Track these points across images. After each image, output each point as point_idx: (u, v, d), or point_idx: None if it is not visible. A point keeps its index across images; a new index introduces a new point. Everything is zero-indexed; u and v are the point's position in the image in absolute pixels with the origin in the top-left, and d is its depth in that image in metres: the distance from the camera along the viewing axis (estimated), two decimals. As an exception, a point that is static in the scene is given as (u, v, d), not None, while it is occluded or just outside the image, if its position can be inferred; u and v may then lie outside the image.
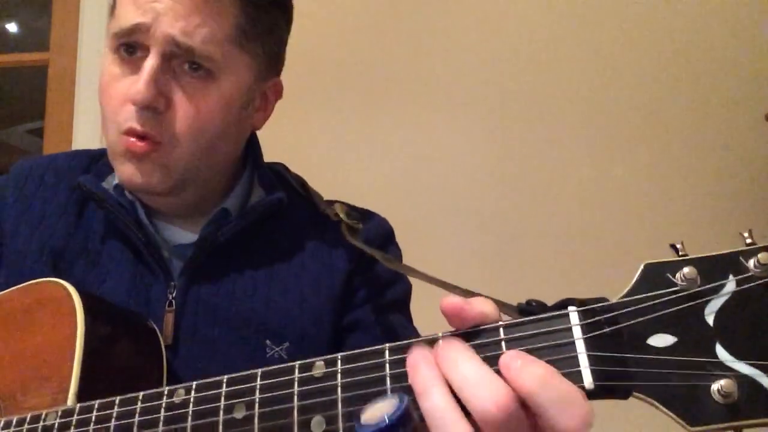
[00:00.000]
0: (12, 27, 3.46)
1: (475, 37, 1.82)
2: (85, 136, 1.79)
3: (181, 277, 0.75)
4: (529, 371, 0.39)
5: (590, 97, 1.75)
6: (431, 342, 0.45)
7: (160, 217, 0.80)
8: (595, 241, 1.67)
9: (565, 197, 1.72)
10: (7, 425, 0.62)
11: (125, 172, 0.71)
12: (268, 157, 0.88)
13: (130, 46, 0.70)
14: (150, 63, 0.68)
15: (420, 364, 0.42)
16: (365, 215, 0.86)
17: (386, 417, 0.39)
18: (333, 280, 0.79)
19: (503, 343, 0.43)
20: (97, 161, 0.83)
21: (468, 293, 0.58)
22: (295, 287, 0.78)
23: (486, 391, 0.39)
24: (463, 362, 0.40)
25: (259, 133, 0.86)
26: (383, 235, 0.86)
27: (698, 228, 1.66)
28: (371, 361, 0.47)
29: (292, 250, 0.80)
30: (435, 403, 0.40)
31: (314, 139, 1.80)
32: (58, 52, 1.90)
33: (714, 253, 0.42)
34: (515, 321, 0.44)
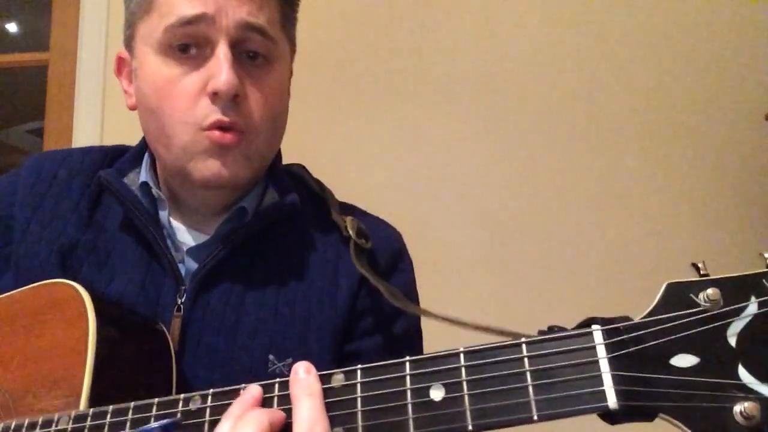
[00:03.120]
0: (12, 27, 3.45)
1: (478, 37, 1.82)
2: (85, 136, 1.78)
3: (192, 282, 0.74)
4: None
5: (590, 97, 1.75)
6: (451, 356, 0.46)
7: (179, 219, 0.79)
8: (594, 241, 1.68)
9: (568, 197, 1.72)
10: (18, 428, 0.62)
11: (211, 168, 0.70)
12: None
13: (184, 44, 0.69)
14: (224, 51, 0.68)
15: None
16: (377, 227, 0.83)
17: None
18: (336, 299, 0.76)
19: (526, 360, 0.44)
20: (114, 157, 0.82)
21: (479, 328, 0.57)
22: (303, 302, 0.76)
23: None
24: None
25: None
26: (393, 253, 0.82)
27: (698, 228, 1.67)
28: (392, 375, 0.47)
29: (302, 261, 0.78)
30: None
31: (317, 139, 1.79)
32: (58, 52, 1.89)
33: (737, 274, 0.43)
34: (538, 338, 0.44)
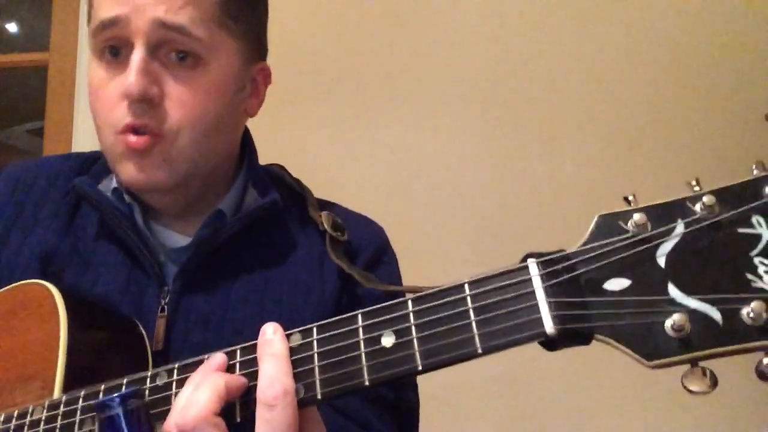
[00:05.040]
0: (12, 27, 3.46)
1: (472, 37, 1.83)
2: (85, 136, 1.79)
3: (175, 283, 0.74)
4: None
5: (589, 97, 1.76)
6: (400, 304, 0.47)
7: (156, 220, 0.79)
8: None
9: (564, 196, 1.72)
10: (-5, 423, 0.63)
11: (127, 172, 0.70)
12: (263, 158, 0.87)
13: (113, 47, 0.70)
14: (137, 53, 0.67)
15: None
16: (359, 223, 0.84)
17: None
18: (322, 294, 0.77)
19: (468, 299, 0.45)
20: (90, 164, 0.83)
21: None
22: (288, 297, 0.76)
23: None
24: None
25: (253, 133, 0.86)
26: (377, 248, 0.83)
27: None
28: (345, 329, 0.49)
29: (285, 258, 0.79)
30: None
31: (309, 139, 1.80)
32: (58, 52, 1.90)
33: (662, 201, 0.44)
34: (480, 277, 0.46)
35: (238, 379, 0.51)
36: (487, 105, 1.80)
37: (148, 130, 0.68)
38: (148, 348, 0.72)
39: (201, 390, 0.49)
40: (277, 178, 0.86)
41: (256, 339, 0.52)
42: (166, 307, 0.73)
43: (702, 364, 0.41)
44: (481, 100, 1.81)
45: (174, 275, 0.75)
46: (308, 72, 1.80)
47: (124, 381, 0.57)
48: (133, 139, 0.68)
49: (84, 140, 1.79)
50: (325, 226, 0.77)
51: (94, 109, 0.72)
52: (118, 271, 0.75)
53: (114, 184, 0.78)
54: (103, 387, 0.58)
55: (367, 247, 0.82)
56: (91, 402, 0.57)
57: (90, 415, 0.57)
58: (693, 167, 1.69)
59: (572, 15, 1.80)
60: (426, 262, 1.69)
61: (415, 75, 1.84)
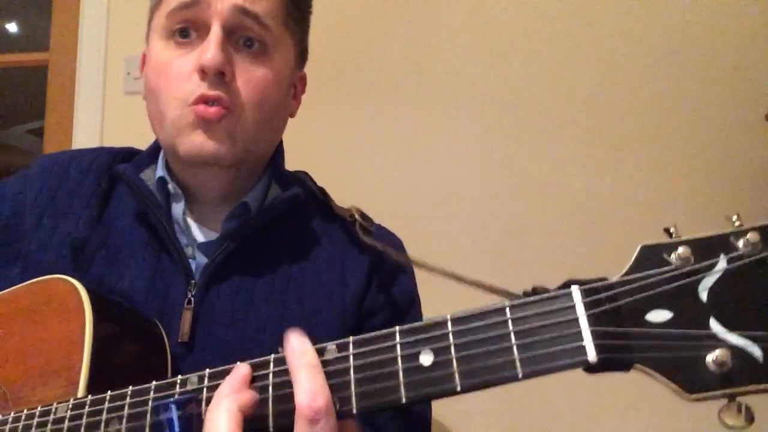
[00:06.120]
0: (12, 27, 3.46)
1: (474, 36, 1.84)
2: (85, 136, 1.78)
3: (201, 276, 0.76)
4: None
5: (589, 97, 1.77)
6: (439, 323, 0.48)
7: (189, 214, 0.82)
8: (595, 241, 1.69)
9: (566, 197, 1.73)
10: (17, 419, 0.63)
11: (195, 141, 0.73)
12: None
13: (183, 30, 0.74)
14: (215, 31, 0.72)
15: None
16: (379, 232, 0.87)
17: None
18: (345, 297, 0.79)
19: (509, 322, 0.46)
20: (121, 158, 0.85)
21: (480, 285, 0.60)
22: (311, 297, 0.78)
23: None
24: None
25: None
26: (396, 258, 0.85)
27: (698, 228, 1.68)
28: (382, 345, 0.49)
29: (308, 258, 0.81)
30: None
31: (315, 140, 1.80)
32: (58, 52, 1.89)
33: (707, 234, 0.45)
34: (521, 301, 0.46)
35: (247, 396, 0.50)
36: (497, 107, 1.81)
37: (221, 102, 0.72)
38: (168, 349, 0.73)
39: (216, 420, 0.48)
40: (300, 182, 0.88)
41: (277, 338, 0.53)
42: (192, 299, 0.75)
43: (739, 399, 0.42)
44: (489, 101, 1.81)
45: (201, 269, 0.77)
46: (311, 72, 1.80)
47: (152, 385, 0.57)
48: (205, 108, 0.71)
49: (84, 140, 1.79)
50: (356, 216, 0.81)
51: (157, 86, 0.75)
52: (146, 262, 0.77)
53: (159, 173, 0.81)
54: (130, 390, 0.58)
55: (388, 258, 0.82)
56: (120, 403, 0.57)
57: (117, 414, 0.57)
58: (693, 167, 1.70)
59: (571, 15, 1.81)
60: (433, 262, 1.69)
61: (422, 74, 1.85)
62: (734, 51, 1.73)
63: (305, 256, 0.81)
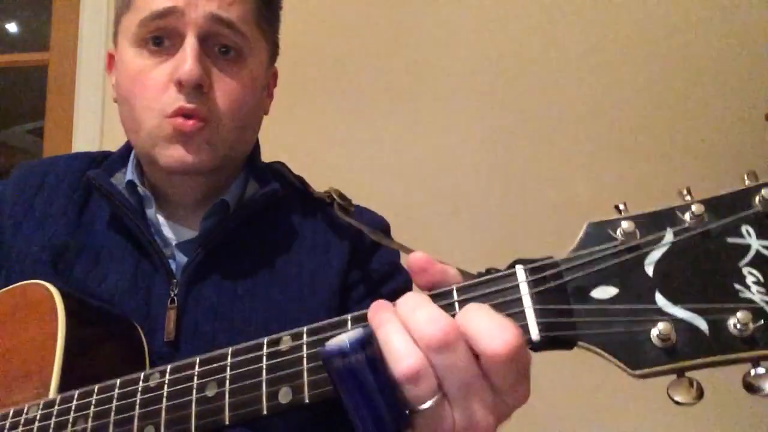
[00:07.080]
0: (12, 27, 3.51)
1: (472, 36, 1.84)
2: (85, 136, 1.80)
3: (183, 275, 0.77)
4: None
5: (589, 97, 1.76)
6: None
7: (165, 214, 0.82)
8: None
9: (566, 197, 1.72)
10: (-8, 421, 0.63)
11: (174, 154, 0.73)
12: (265, 157, 0.90)
13: (157, 38, 0.74)
14: (191, 42, 0.72)
15: (379, 309, 0.46)
16: (363, 212, 0.87)
17: (347, 340, 0.42)
18: (329, 278, 0.80)
19: (456, 304, 0.45)
20: (99, 162, 0.86)
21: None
22: (295, 286, 0.79)
23: (433, 325, 0.42)
24: (417, 307, 0.43)
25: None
26: (378, 230, 0.85)
27: None
28: (335, 332, 0.49)
29: (289, 248, 0.81)
30: (388, 332, 0.43)
31: (310, 138, 1.81)
32: (58, 52, 1.91)
33: (651, 210, 0.44)
34: (468, 282, 0.46)
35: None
36: (494, 107, 1.81)
37: (199, 114, 0.72)
38: (146, 349, 0.73)
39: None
40: (277, 173, 0.89)
41: (266, 329, 0.53)
42: (176, 298, 0.75)
43: (688, 374, 0.41)
44: (488, 101, 1.81)
45: (182, 267, 0.77)
46: (309, 72, 1.82)
47: (117, 382, 0.57)
48: (183, 121, 0.72)
49: (84, 140, 1.80)
50: (334, 197, 0.81)
51: (132, 94, 0.74)
52: (127, 265, 0.78)
53: (128, 176, 0.82)
54: (96, 387, 0.58)
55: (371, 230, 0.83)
56: (87, 400, 0.57)
57: (83, 413, 0.57)
58: (693, 167, 1.69)
59: (570, 15, 1.80)
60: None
61: (419, 73, 1.85)
62: (734, 51, 1.72)
63: (287, 246, 0.82)
